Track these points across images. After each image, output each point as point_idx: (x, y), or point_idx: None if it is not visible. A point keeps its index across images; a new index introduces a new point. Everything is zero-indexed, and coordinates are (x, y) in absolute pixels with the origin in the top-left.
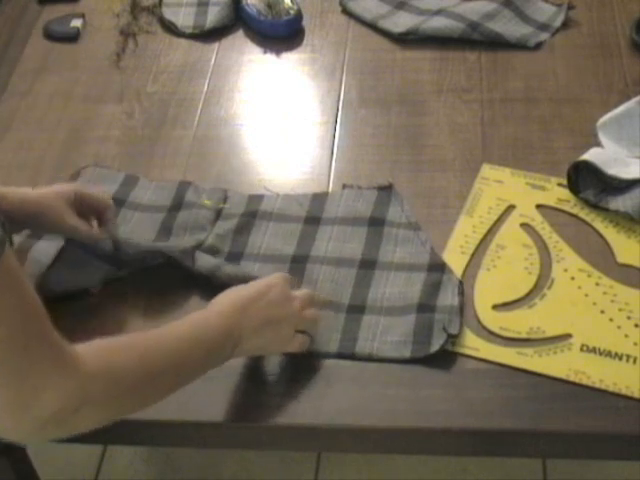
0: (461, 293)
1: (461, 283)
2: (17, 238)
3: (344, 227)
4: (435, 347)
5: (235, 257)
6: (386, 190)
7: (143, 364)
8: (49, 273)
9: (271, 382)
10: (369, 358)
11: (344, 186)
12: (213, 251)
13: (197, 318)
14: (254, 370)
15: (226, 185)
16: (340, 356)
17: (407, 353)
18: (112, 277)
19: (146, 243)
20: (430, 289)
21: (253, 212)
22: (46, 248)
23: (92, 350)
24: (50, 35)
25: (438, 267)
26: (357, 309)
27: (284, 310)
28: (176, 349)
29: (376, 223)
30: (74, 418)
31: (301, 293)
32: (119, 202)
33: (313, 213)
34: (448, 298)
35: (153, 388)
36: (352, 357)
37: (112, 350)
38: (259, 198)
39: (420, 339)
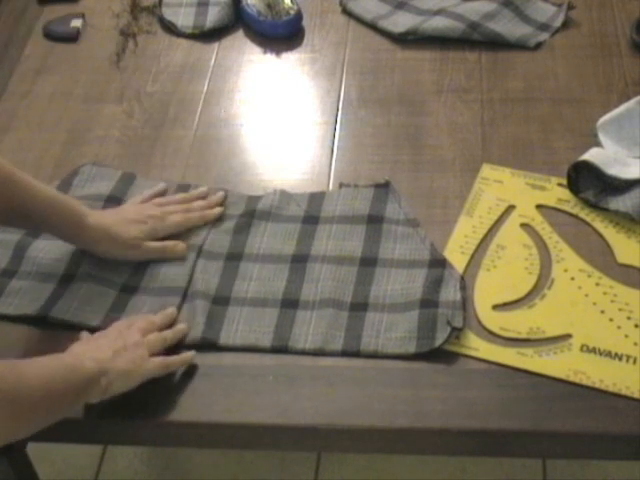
0: (463, 288)
1: (462, 278)
2: (16, 236)
3: (343, 225)
4: (439, 341)
5: (234, 258)
6: (383, 187)
7: (46, 389)
8: (55, 298)
9: (271, 382)
10: (374, 355)
11: (341, 185)
12: (211, 255)
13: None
14: (254, 370)
15: (226, 185)
16: (345, 354)
17: (412, 349)
18: (114, 315)
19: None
20: (432, 285)
21: (251, 212)
22: (45, 248)
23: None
24: (50, 35)
25: (439, 263)
26: (360, 307)
27: (127, 339)
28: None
29: (375, 220)
30: None
31: (140, 320)
32: (116, 200)
33: (311, 212)
34: (450, 293)
35: (38, 415)
36: (357, 354)
37: (16, 373)
38: (258, 198)
39: (424, 334)
